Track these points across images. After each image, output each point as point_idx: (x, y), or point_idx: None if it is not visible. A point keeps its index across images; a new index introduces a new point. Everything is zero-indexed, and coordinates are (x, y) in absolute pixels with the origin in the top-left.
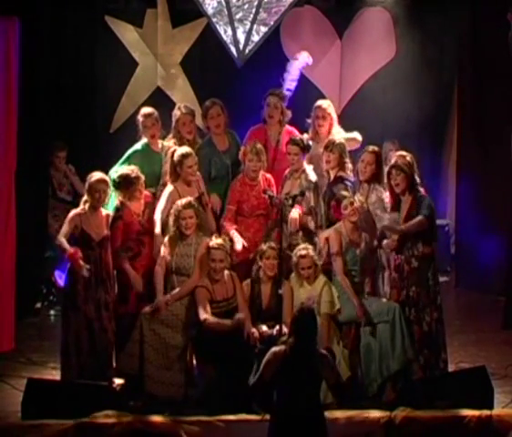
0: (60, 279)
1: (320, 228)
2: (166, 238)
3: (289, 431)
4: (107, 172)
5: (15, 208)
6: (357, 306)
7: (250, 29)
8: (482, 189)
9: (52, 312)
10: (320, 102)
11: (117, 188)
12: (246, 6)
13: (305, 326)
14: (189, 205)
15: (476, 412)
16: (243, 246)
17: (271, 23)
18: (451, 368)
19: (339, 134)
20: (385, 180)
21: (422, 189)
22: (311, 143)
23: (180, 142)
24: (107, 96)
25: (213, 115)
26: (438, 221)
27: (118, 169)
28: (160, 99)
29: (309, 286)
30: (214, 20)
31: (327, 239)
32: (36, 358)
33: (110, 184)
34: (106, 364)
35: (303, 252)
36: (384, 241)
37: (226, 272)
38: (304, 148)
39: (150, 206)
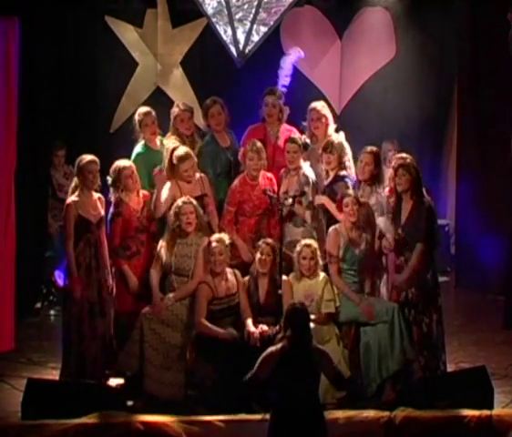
0: (60, 279)
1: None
2: (164, 240)
3: (288, 428)
4: (107, 172)
5: (15, 208)
6: (360, 306)
7: (250, 29)
8: (482, 189)
9: (52, 312)
10: (314, 104)
11: (113, 184)
12: (246, 6)
13: (297, 321)
14: (189, 201)
15: (476, 412)
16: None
17: (271, 23)
18: (451, 368)
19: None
20: (386, 180)
21: (425, 194)
22: (308, 141)
23: (180, 139)
24: (107, 96)
25: (214, 113)
26: (438, 221)
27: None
28: (160, 99)
29: (308, 281)
30: (214, 20)
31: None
32: (36, 358)
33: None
34: (106, 351)
35: (308, 242)
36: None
37: (229, 270)
38: (302, 147)
39: (149, 204)
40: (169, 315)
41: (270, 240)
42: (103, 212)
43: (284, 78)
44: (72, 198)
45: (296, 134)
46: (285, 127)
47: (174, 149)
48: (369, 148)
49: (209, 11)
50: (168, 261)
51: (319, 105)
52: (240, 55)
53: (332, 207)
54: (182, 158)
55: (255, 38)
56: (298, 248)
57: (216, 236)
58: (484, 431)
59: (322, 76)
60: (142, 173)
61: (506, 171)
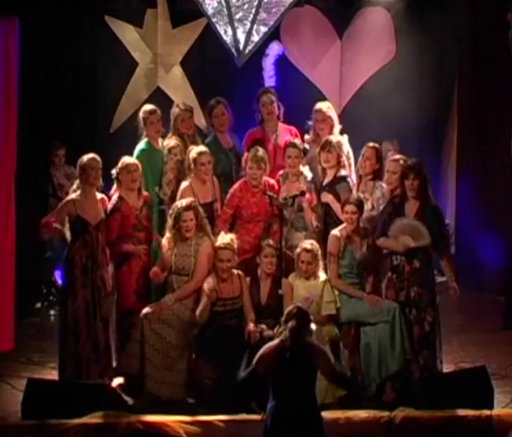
0: (60, 279)
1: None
2: (165, 239)
3: (284, 427)
4: (107, 173)
5: (15, 208)
6: (365, 299)
7: (250, 29)
8: (482, 189)
9: (52, 312)
10: (319, 105)
11: (117, 178)
12: (246, 6)
13: (298, 323)
14: (189, 207)
15: (476, 412)
16: (243, 246)
17: (271, 23)
18: (451, 368)
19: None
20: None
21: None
22: (307, 146)
23: (180, 139)
24: (107, 96)
25: (218, 113)
26: None
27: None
28: (160, 99)
29: (309, 282)
30: (214, 20)
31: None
32: (36, 358)
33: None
34: (102, 350)
35: (309, 246)
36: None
37: (234, 271)
38: (302, 152)
39: (148, 205)
40: (170, 315)
41: (271, 242)
42: (103, 214)
43: (268, 79)
44: (72, 196)
45: (296, 139)
46: (283, 126)
47: (191, 150)
48: (371, 144)
49: (210, 11)
50: (168, 261)
51: (324, 106)
52: (240, 55)
53: (336, 205)
54: (201, 152)
55: (255, 38)
56: (298, 249)
57: (223, 241)
58: (484, 431)
59: (322, 76)
60: (145, 170)
61: (506, 171)
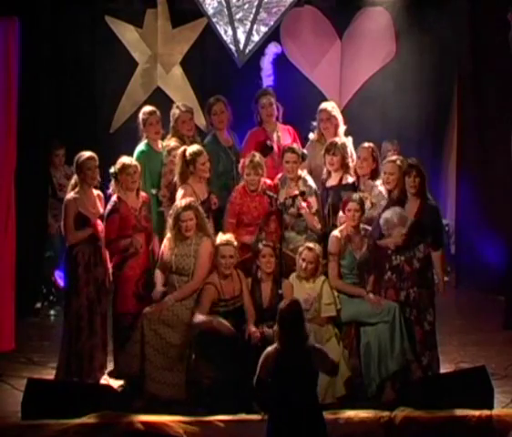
0: (60, 279)
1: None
2: (165, 239)
3: (287, 429)
4: (107, 172)
5: (15, 208)
6: (366, 298)
7: (250, 29)
8: (482, 189)
9: (52, 312)
10: (324, 105)
11: (115, 178)
12: (246, 6)
13: (289, 318)
14: (188, 207)
15: (476, 412)
16: (242, 245)
17: (271, 23)
18: (451, 368)
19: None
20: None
21: (430, 196)
22: (305, 152)
23: (180, 141)
24: (107, 96)
25: (217, 111)
26: None
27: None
28: (160, 99)
29: (309, 283)
30: (214, 20)
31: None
32: (36, 358)
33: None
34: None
35: (311, 245)
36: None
37: (234, 271)
38: (301, 156)
39: (147, 205)
40: (170, 315)
41: (269, 242)
42: (102, 210)
43: (267, 78)
44: (72, 195)
45: (294, 144)
46: (281, 126)
47: (184, 151)
48: (366, 144)
49: (210, 11)
50: (168, 261)
51: (329, 106)
52: (240, 55)
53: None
54: (199, 152)
55: (255, 38)
56: (300, 248)
57: (223, 238)
58: (484, 431)
59: (322, 76)
60: (143, 171)
61: (506, 171)
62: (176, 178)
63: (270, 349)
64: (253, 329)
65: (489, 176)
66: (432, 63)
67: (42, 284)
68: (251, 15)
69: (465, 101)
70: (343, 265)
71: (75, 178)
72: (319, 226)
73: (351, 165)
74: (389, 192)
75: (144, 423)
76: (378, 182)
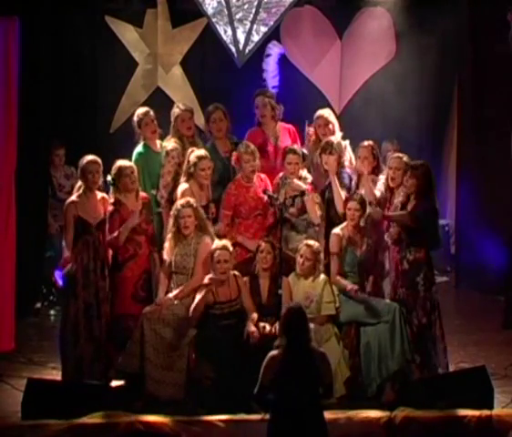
0: (60, 279)
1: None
2: (166, 240)
3: (289, 430)
4: (107, 172)
5: (15, 207)
6: (350, 289)
7: (250, 29)
8: (482, 189)
9: (52, 312)
10: (321, 111)
11: (113, 183)
12: (246, 6)
13: (293, 324)
14: (187, 204)
15: (476, 412)
16: (244, 246)
17: (271, 23)
18: (451, 368)
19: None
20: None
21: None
22: (306, 152)
23: (180, 141)
24: (107, 96)
25: (215, 119)
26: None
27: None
28: (160, 99)
29: (308, 282)
30: (214, 20)
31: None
32: (36, 358)
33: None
34: (102, 351)
35: (310, 242)
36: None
37: (230, 273)
38: (302, 157)
39: (147, 206)
40: (170, 315)
41: (269, 238)
42: (104, 214)
43: (272, 79)
44: (72, 198)
45: (295, 145)
46: (282, 125)
47: (191, 152)
48: (366, 143)
49: (210, 11)
50: (169, 260)
51: (326, 112)
52: (240, 54)
53: (338, 191)
54: (201, 157)
55: (255, 38)
56: (299, 245)
57: (219, 243)
58: (484, 431)
59: (322, 76)
60: (142, 173)
61: (506, 171)
62: (166, 178)
63: (273, 352)
64: (253, 328)
65: (489, 176)
66: (432, 63)
67: (42, 284)
68: (251, 15)
69: (464, 102)
70: (345, 263)
71: (79, 182)
72: (319, 213)
73: (347, 163)
74: (392, 190)
75: (144, 423)
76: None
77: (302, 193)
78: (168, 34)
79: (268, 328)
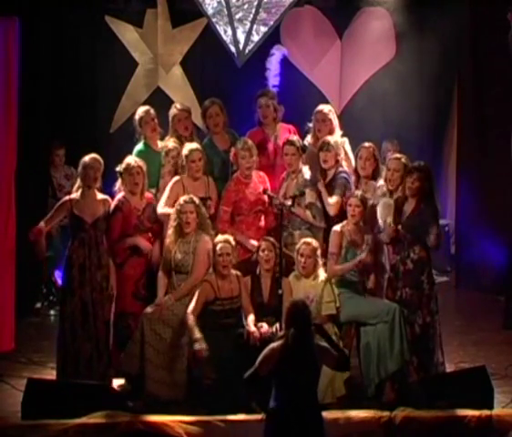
0: (60, 279)
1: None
2: (167, 238)
3: (285, 427)
4: (106, 172)
5: (15, 207)
6: (357, 261)
7: (250, 29)
8: (482, 190)
9: (52, 312)
10: (320, 107)
11: (121, 177)
12: (246, 6)
13: (299, 318)
14: (190, 200)
15: (476, 412)
16: (244, 245)
17: (271, 23)
18: (451, 368)
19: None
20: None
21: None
22: (306, 144)
23: (179, 140)
24: (107, 96)
25: (212, 114)
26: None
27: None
28: (160, 99)
29: (309, 281)
30: (214, 20)
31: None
32: (36, 358)
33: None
34: (101, 351)
35: (308, 240)
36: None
37: (233, 272)
38: (300, 149)
39: (151, 206)
40: (170, 315)
41: (269, 237)
42: (103, 213)
43: (273, 78)
44: (71, 196)
45: (294, 137)
46: (283, 125)
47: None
48: (367, 144)
49: (210, 11)
50: (169, 258)
51: (326, 108)
52: (240, 55)
53: (326, 198)
54: (192, 149)
55: (255, 38)
56: (298, 245)
57: (221, 237)
58: (484, 431)
59: (322, 76)
60: None
61: (506, 171)
62: (166, 178)
63: (274, 344)
64: (252, 329)
65: (489, 176)
66: (432, 63)
67: (42, 284)
68: (251, 15)
69: (465, 101)
70: (345, 262)
71: (79, 181)
72: (311, 219)
73: (344, 163)
74: (391, 192)
75: (144, 423)
76: (380, 182)
77: (302, 193)
78: (168, 34)
79: (265, 327)
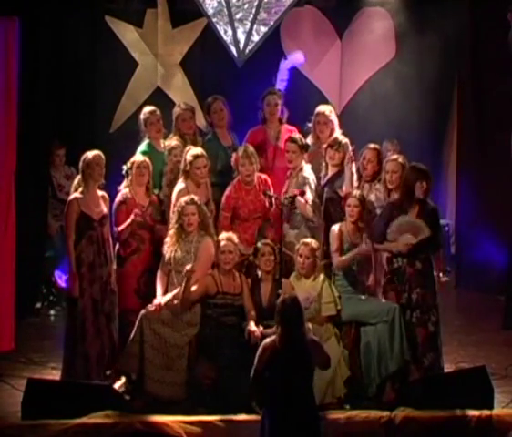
0: (60, 279)
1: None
2: (168, 236)
3: (281, 424)
4: (106, 172)
5: (15, 208)
6: (362, 248)
7: (250, 29)
8: (482, 189)
9: (52, 312)
10: (322, 108)
11: (126, 174)
12: (246, 6)
13: (286, 316)
14: (192, 202)
15: (476, 412)
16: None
17: (271, 23)
18: (451, 368)
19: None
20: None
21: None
22: (309, 142)
23: (182, 140)
24: (107, 96)
25: (216, 109)
26: None
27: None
28: (160, 99)
29: (308, 282)
30: (214, 20)
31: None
32: (36, 358)
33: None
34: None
35: (308, 240)
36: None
37: (235, 272)
38: (302, 147)
39: (155, 206)
40: (169, 315)
41: (267, 240)
42: (106, 210)
43: (280, 82)
44: (75, 195)
45: (297, 135)
46: (286, 127)
47: (188, 151)
48: (372, 145)
49: (210, 11)
50: (168, 258)
51: (327, 109)
52: (240, 55)
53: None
54: (197, 155)
55: (255, 38)
56: (297, 246)
57: (224, 235)
58: (484, 431)
59: (322, 76)
60: None
61: (506, 172)
62: (169, 177)
63: (267, 341)
64: (253, 328)
65: (489, 176)
66: (432, 63)
67: (42, 284)
68: (251, 15)
69: (465, 102)
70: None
71: (78, 179)
72: (311, 214)
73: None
74: (389, 192)
75: (144, 423)
76: (377, 186)
77: (302, 193)
78: (168, 34)
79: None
